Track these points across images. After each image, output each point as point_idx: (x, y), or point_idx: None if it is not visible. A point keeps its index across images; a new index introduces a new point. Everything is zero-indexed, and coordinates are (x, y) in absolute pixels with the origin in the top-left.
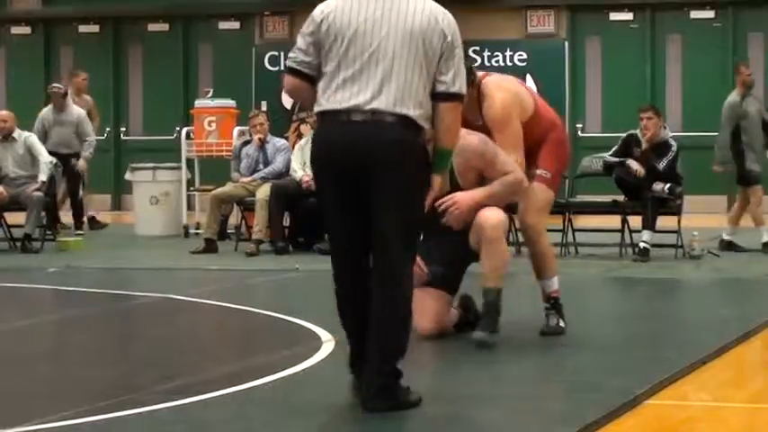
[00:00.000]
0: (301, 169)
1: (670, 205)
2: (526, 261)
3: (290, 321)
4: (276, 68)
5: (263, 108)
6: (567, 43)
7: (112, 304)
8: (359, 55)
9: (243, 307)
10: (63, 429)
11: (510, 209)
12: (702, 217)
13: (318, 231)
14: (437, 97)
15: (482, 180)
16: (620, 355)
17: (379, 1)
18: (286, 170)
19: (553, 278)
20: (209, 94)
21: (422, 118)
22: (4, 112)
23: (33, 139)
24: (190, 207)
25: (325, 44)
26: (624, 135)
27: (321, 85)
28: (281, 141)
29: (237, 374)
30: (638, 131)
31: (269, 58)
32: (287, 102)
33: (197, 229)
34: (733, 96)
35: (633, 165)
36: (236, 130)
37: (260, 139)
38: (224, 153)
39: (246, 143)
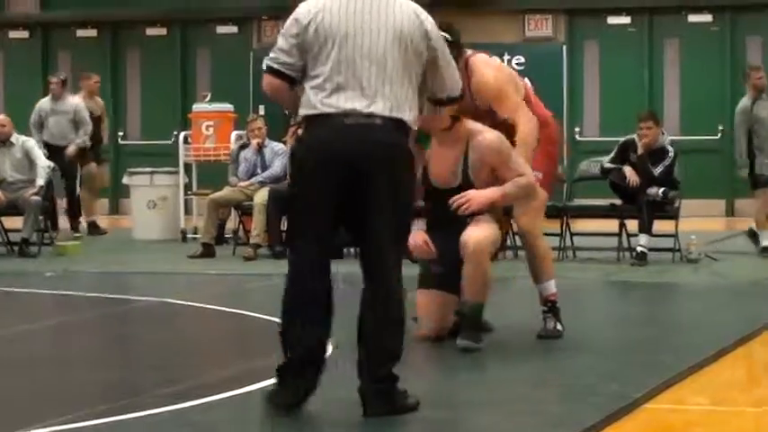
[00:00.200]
0: None
1: (667, 209)
2: (524, 265)
3: None
4: None
5: (261, 112)
6: (564, 47)
7: (110, 308)
8: (352, 58)
9: (241, 311)
10: None
11: (507, 212)
12: (700, 221)
13: None
14: (438, 102)
15: (495, 179)
16: (617, 359)
17: (371, 2)
18: (284, 174)
19: (550, 281)
20: (207, 99)
21: (412, 120)
22: (2, 117)
23: (31, 143)
24: (187, 211)
25: (314, 47)
26: (621, 141)
27: (311, 87)
28: (279, 146)
29: (237, 378)
30: (635, 136)
31: None
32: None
33: (195, 233)
34: (744, 101)
35: (628, 172)
36: (234, 134)
37: (258, 143)
38: (222, 157)
39: (243, 147)
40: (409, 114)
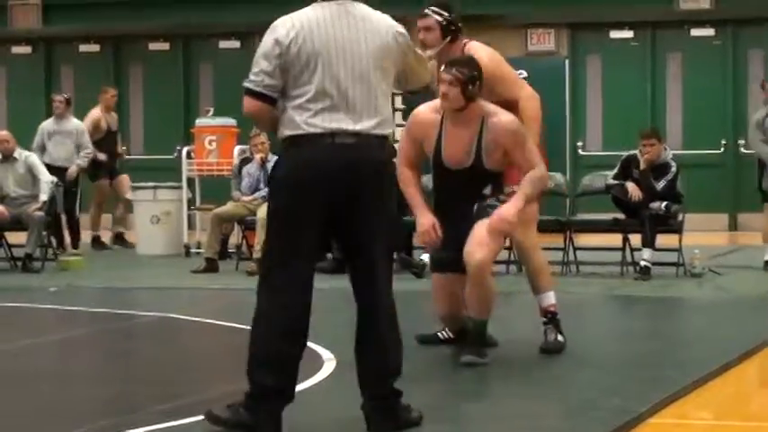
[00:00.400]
0: None
1: (670, 223)
2: (525, 279)
3: None
4: None
5: None
6: (567, 61)
7: (113, 324)
8: (337, 77)
9: (244, 326)
10: None
11: None
12: (703, 235)
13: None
14: (406, 92)
15: (507, 161)
16: (621, 374)
17: (346, 18)
18: None
19: (549, 292)
20: (210, 113)
21: (390, 135)
22: (5, 133)
23: (34, 158)
24: (191, 226)
25: (295, 67)
26: (624, 157)
27: (294, 107)
28: None
29: (240, 393)
30: (637, 152)
31: None
32: None
33: (198, 248)
34: (759, 113)
35: (630, 187)
36: (237, 149)
37: (261, 158)
38: (225, 172)
39: (246, 162)
40: (389, 129)
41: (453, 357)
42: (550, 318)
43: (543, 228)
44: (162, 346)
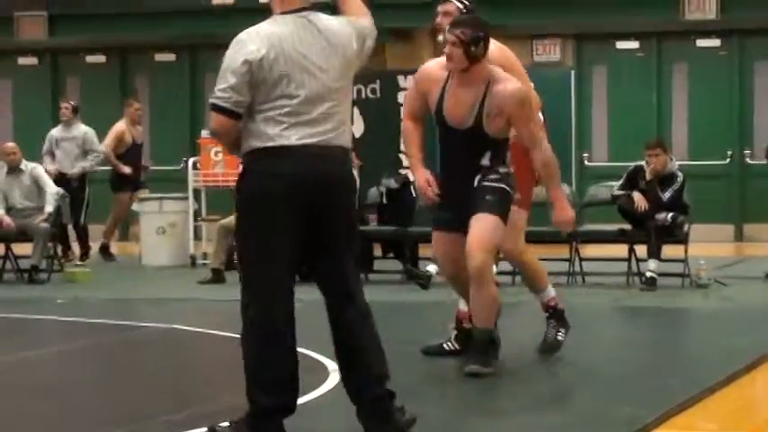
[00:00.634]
0: None
1: (676, 234)
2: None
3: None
4: None
5: None
6: (573, 72)
7: (120, 335)
8: (308, 91)
9: None
10: None
11: None
12: (709, 245)
13: None
14: None
15: (508, 127)
16: (627, 384)
17: (310, 32)
18: None
19: (547, 289)
20: None
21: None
22: (11, 144)
23: (39, 170)
24: (197, 237)
25: (267, 82)
26: (630, 168)
27: (264, 119)
28: None
29: (245, 405)
30: (643, 163)
31: None
32: None
33: (204, 259)
34: None
35: (636, 198)
36: None
37: None
38: (231, 183)
39: None
40: (350, 140)
41: (458, 368)
42: (552, 311)
43: (549, 239)
44: (168, 358)
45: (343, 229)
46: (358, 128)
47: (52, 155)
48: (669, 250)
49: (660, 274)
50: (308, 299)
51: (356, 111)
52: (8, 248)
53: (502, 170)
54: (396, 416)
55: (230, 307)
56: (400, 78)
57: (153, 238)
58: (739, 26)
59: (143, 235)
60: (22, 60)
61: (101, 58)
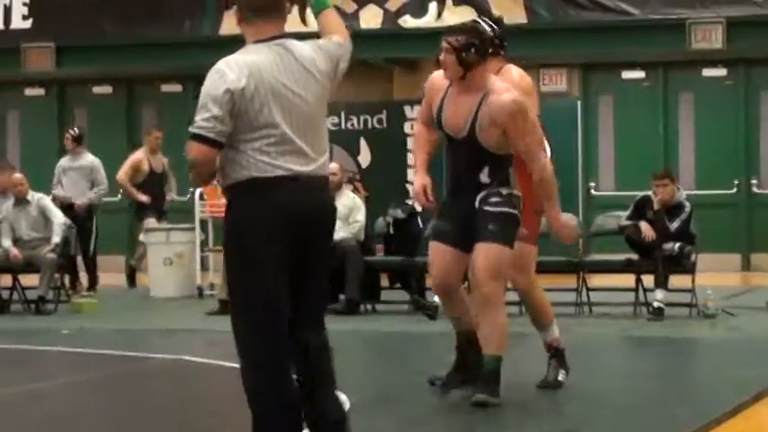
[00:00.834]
0: None
1: (683, 264)
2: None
3: None
4: None
5: None
6: (579, 101)
7: (127, 366)
8: (291, 120)
9: None
10: None
11: None
12: (716, 275)
13: (333, 292)
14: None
15: (505, 140)
16: (634, 415)
17: (288, 60)
18: None
19: (551, 327)
20: None
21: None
22: (18, 176)
23: (46, 201)
24: (204, 268)
25: (249, 112)
26: (638, 198)
27: (250, 150)
28: None
29: None
30: (650, 193)
31: None
32: None
33: (211, 289)
34: None
35: (643, 227)
36: None
37: None
38: None
39: None
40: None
41: (465, 398)
42: (554, 352)
43: (556, 268)
44: (175, 389)
45: (324, 257)
46: (365, 158)
47: (61, 184)
48: (676, 280)
49: (667, 304)
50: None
51: (363, 141)
52: (15, 279)
53: (504, 191)
54: None
55: None
56: (407, 108)
57: (160, 268)
58: (745, 56)
59: (150, 266)
60: (29, 91)
61: (107, 89)
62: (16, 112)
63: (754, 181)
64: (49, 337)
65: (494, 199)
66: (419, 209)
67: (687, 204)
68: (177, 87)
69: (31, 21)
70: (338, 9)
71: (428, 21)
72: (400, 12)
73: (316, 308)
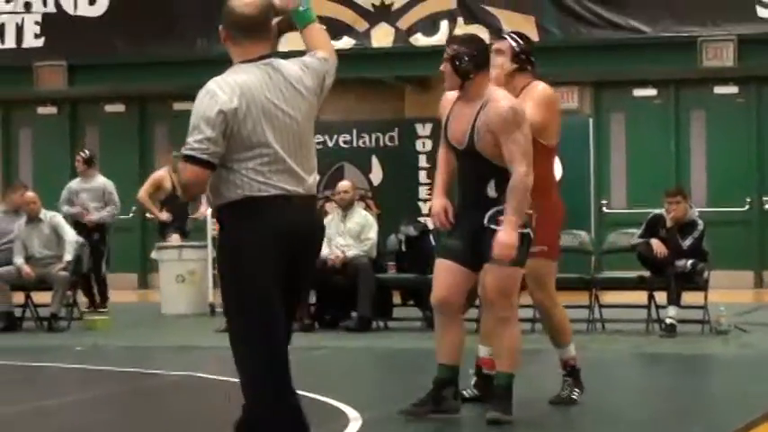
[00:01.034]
0: (326, 246)
1: (696, 281)
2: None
3: (317, 399)
4: None
5: None
6: (591, 119)
7: (139, 383)
8: (283, 141)
9: None
10: None
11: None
12: (729, 292)
13: (345, 309)
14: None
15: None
16: (646, 431)
17: (276, 79)
18: None
19: (569, 345)
20: None
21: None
22: (31, 194)
23: (59, 218)
24: (216, 285)
25: (241, 132)
26: (650, 216)
27: (245, 171)
28: None
29: None
30: (663, 211)
31: None
32: None
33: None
34: None
35: (655, 245)
36: None
37: None
38: None
39: None
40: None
41: (478, 415)
42: (570, 370)
43: (568, 285)
44: (186, 405)
45: (311, 275)
46: (377, 175)
47: (71, 203)
48: (689, 297)
49: (680, 321)
50: (331, 345)
51: (375, 159)
52: (28, 297)
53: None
54: None
55: None
56: (418, 126)
57: (172, 286)
58: (757, 73)
59: (162, 283)
60: (41, 110)
61: (120, 108)
62: (29, 131)
63: (766, 198)
64: (61, 353)
65: (502, 218)
66: (431, 226)
67: (700, 222)
68: (189, 106)
69: (43, 39)
70: (350, 28)
71: (440, 39)
72: (412, 30)
73: (288, 320)
